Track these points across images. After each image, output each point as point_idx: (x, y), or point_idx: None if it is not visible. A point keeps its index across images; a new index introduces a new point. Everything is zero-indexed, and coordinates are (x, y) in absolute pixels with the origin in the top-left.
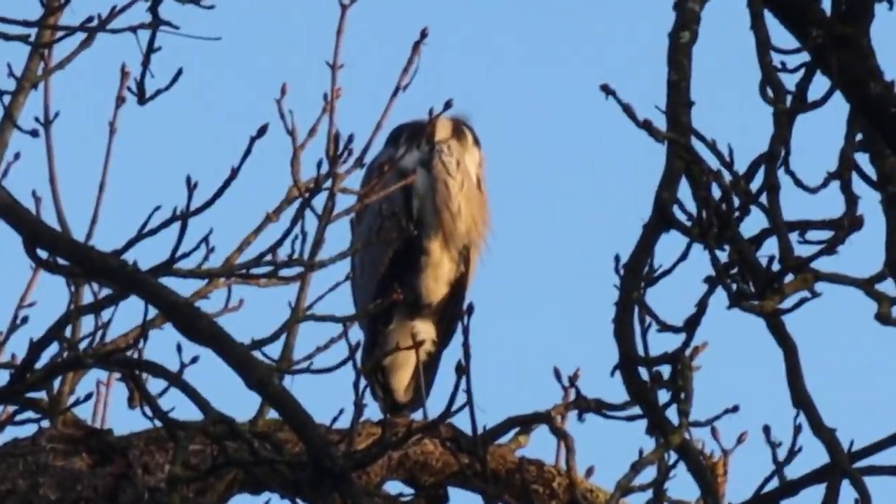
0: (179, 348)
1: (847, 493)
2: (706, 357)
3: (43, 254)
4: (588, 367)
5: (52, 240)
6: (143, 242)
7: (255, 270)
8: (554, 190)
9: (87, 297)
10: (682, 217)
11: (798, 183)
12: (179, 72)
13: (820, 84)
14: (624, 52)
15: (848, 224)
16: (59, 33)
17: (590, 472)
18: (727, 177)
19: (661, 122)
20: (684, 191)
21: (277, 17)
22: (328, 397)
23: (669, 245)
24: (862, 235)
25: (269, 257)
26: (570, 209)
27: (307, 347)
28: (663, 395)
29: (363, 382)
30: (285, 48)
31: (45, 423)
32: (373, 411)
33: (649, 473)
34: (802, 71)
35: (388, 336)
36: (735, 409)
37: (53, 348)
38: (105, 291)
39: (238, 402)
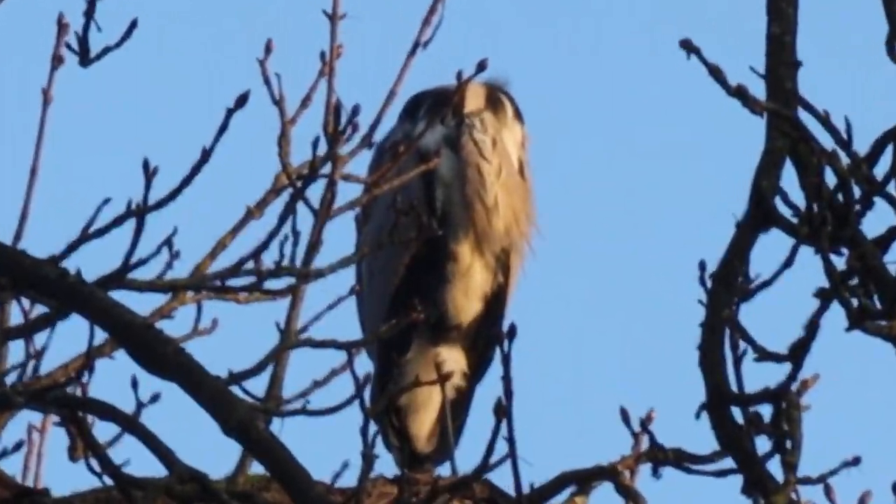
0: (135, 383)
1: None
2: (818, 394)
3: None
4: (665, 408)
5: None
6: (89, 245)
7: (232, 282)
8: (618, 177)
9: (15, 316)
10: (786, 212)
11: None
12: (133, 24)
13: None
14: None
15: None
16: None
17: None
18: (844, 159)
19: (758, 89)
20: (789, 178)
21: None
22: (329, 446)
23: (770, 247)
24: None
25: (250, 265)
26: (640, 201)
27: (301, 382)
28: (763, 444)
29: (373, 427)
30: None
31: None
32: (386, 464)
33: None
34: None
35: (405, 367)
36: (856, 461)
37: None
38: (39, 309)
39: (213, 452)
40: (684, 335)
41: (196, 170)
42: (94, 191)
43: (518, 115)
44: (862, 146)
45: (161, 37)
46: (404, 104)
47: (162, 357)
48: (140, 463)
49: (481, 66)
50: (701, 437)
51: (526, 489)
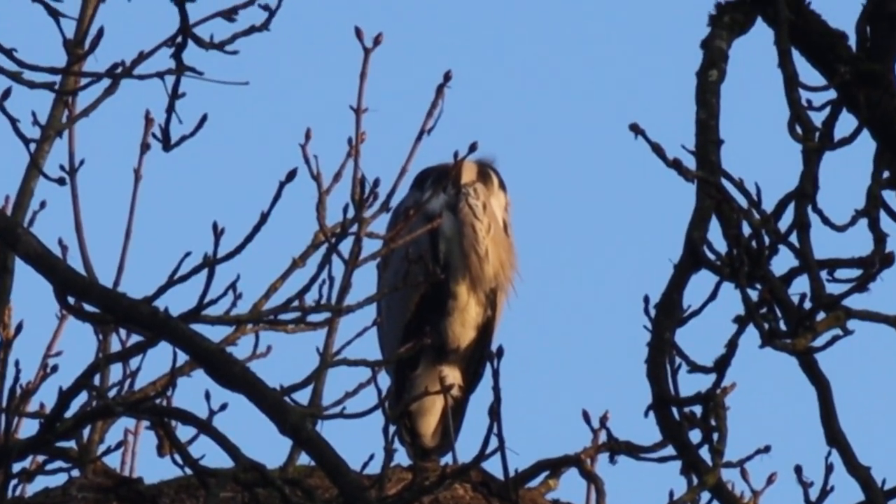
0: (208, 395)
1: None
2: (736, 397)
3: (72, 301)
4: (617, 409)
5: (84, 287)
6: (174, 289)
7: (282, 316)
8: (582, 232)
9: (115, 344)
10: (712, 256)
11: (826, 221)
12: (204, 118)
13: (846, 122)
14: (652, 91)
15: (878, 262)
16: (84, 80)
17: None
18: (756, 216)
19: (690, 162)
20: (715, 230)
21: (301, 63)
22: (359, 442)
23: (699, 285)
24: (893, 273)
25: (296, 303)
26: (599, 251)
27: (335, 393)
28: (696, 436)
29: (392, 428)
30: (309, 93)
31: (76, 473)
32: (403, 456)
33: None
34: (829, 108)
35: (415, 381)
36: (767, 449)
37: (82, 397)
38: (132, 340)
39: (266, 448)
40: (632, 352)
41: (256, 230)
42: (172, 247)
43: (502, 185)
44: (769, 204)
45: (225, 127)
46: (414, 177)
47: (232, 374)
48: (213, 457)
49: (473, 147)
50: (645, 433)
51: (511, 474)
